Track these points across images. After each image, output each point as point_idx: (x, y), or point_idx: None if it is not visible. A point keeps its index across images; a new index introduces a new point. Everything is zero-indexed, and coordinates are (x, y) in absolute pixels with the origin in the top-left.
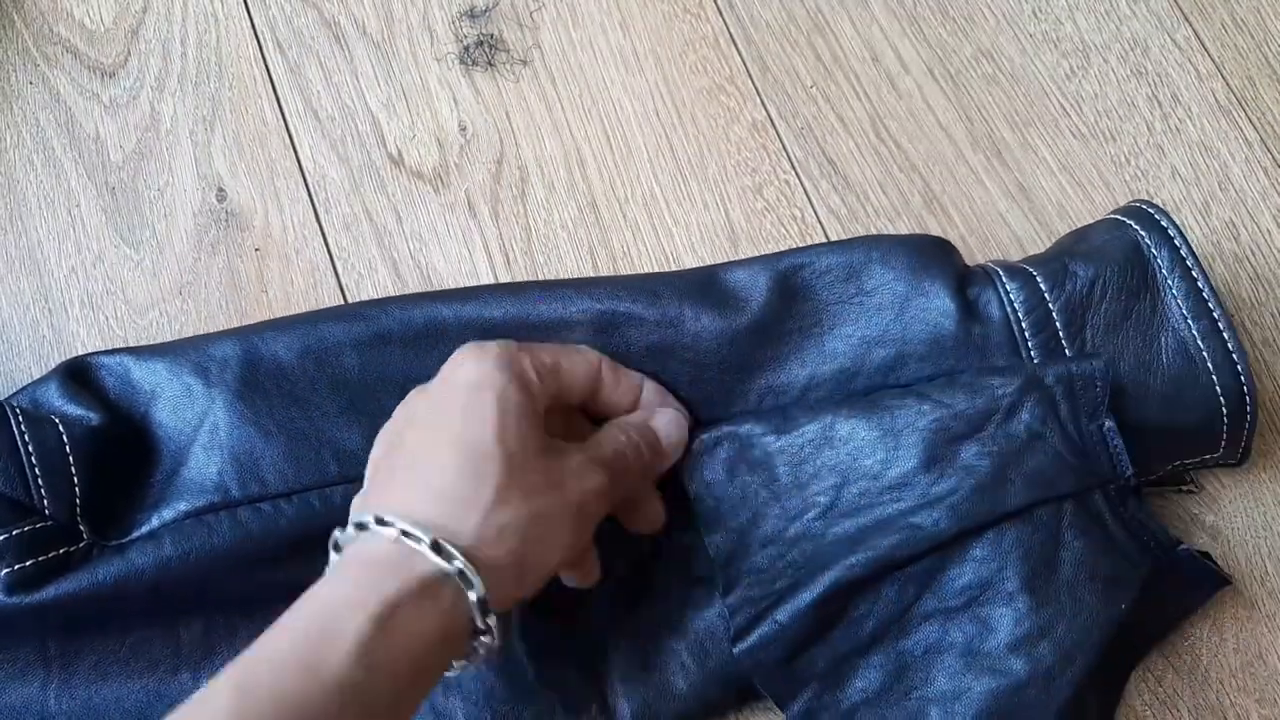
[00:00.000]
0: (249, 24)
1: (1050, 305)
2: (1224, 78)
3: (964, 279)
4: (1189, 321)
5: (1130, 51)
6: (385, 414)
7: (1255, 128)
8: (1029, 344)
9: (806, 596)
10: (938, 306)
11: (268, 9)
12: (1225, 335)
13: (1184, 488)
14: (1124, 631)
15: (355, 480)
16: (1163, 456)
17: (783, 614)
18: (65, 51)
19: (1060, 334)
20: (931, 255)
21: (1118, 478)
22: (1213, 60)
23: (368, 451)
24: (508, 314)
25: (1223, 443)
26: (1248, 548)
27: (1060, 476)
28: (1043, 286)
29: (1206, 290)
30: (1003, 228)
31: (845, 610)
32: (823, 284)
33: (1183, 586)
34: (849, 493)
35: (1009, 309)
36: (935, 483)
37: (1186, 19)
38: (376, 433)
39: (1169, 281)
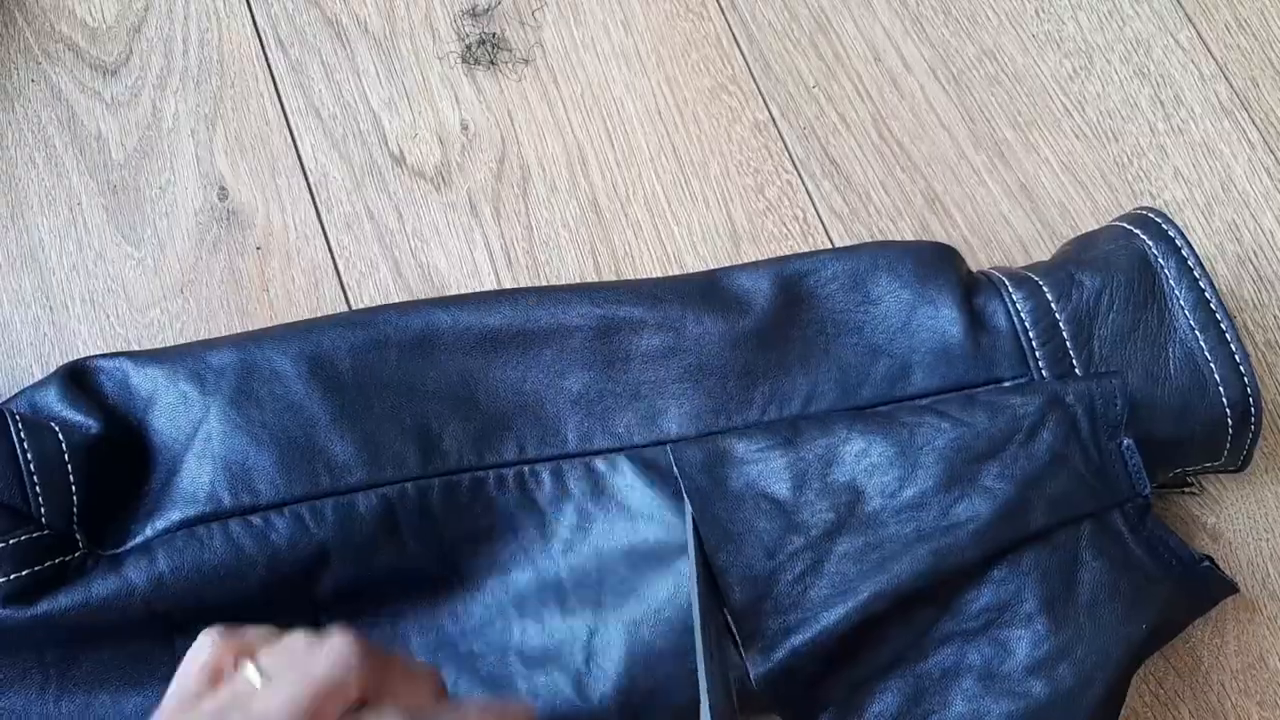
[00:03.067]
0: (250, 22)
1: (1057, 315)
2: (1227, 79)
3: (970, 288)
4: (1196, 333)
5: (1133, 52)
6: (376, 420)
7: (1258, 129)
8: (1037, 354)
9: (827, 624)
10: (944, 316)
11: (269, 7)
12: (1233, 347)
13: (1185, 490)
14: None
15: (344, 492)
16: (1166, 464)
17: (800, 642)
18: (67, 49)
19: (1068, 344)
20: (938, 263)
21: (1136, 496)
22: (1216, 61)
23: (358, 461)
24: (506, 321)
25: (1225, 452)
26: (1249, 550)
27: (1081, 497)
28: (1049, 296)
29: (1214, 301)
30: (1005, 228)
31: (864, 639)
32: (828, 291)
33: (1191, 594)
34: (861, 511)
35: (1016, 319)
36: (955, 503)
37: (1190, 20)
38: (366, 441)
39: (1176, 292)
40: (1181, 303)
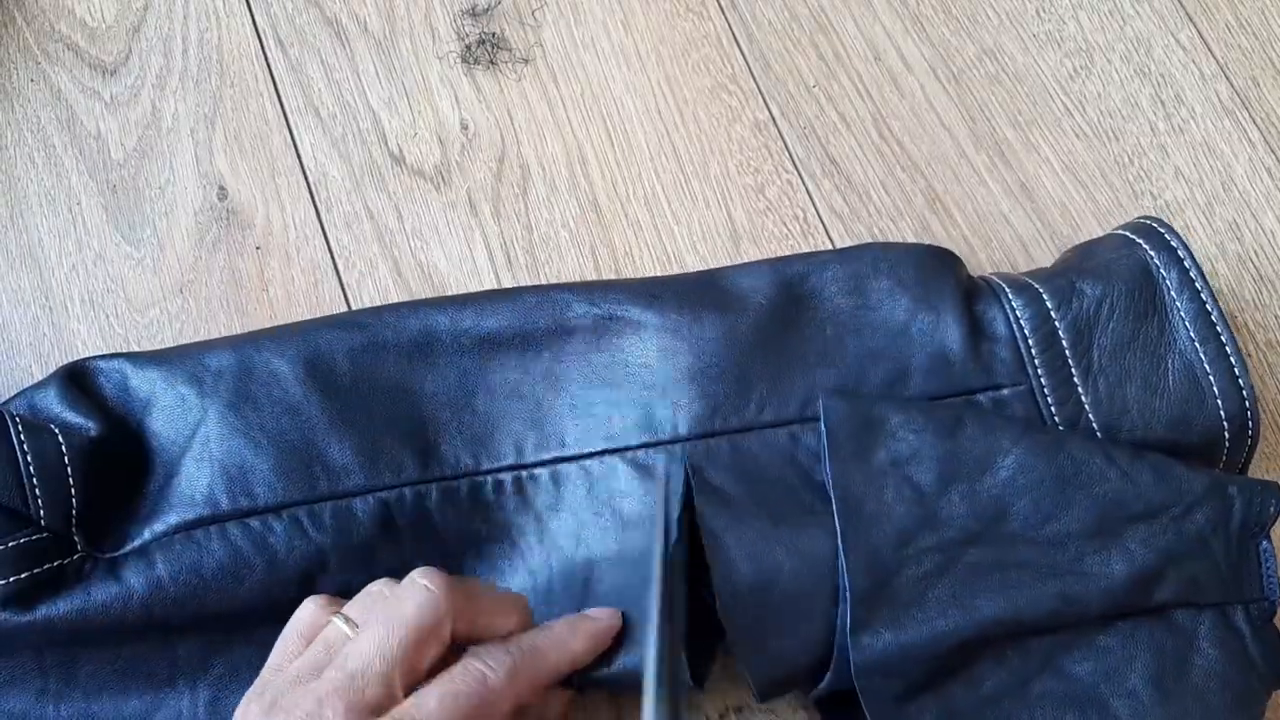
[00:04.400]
0: (250, 21)
1: (1056, 324)
2: (1228, 78)
3: (970, 294)
4: (1196, 344)
5: (1134, 52)
6: (374, 423)
7: (1259, 128)
8: (1035, 362)
9: (939, 630)
10: (944, 321)
11: (269, 6)
12: (1232, 360)
13: None
14: None
15: (342, 496)
16: None
17: (909, 640)
18: (66, 49)
19: (1067, 353)
20: (938, 268)
21: (1264, 599)
22: (1217, 61)
23: (355, 465)
24: (504, 323)
25: (1222, 463)
26: None
27: (1212, 586)
28: (1049, 304)
29: (1215, 313)
30: (1005, 228)
31: (967, 664)
32: (827, 294)
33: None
34: (1000, 528)
35: (1015, 326)
36: (1093, 553)
37: (1190, 19)
38: (364, 445)
39: (1177, 303)
40: (1182, 314)
